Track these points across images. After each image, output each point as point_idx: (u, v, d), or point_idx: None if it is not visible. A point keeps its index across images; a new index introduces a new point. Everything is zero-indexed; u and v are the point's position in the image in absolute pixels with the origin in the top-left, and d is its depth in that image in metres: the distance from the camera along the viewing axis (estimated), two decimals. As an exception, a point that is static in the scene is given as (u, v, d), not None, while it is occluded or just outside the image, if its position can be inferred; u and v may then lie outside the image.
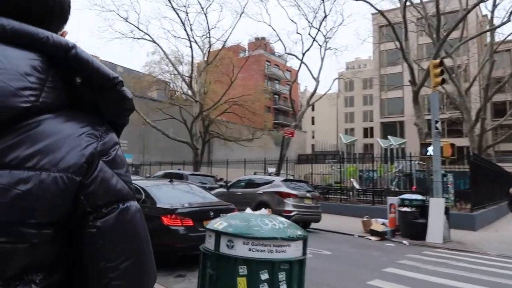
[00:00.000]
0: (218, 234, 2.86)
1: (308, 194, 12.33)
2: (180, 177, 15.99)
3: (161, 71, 28.63)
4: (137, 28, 26.15)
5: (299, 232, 2.99)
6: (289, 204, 11.62)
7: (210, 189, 15.37)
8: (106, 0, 70.12)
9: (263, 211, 3.18)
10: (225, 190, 14.07)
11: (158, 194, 7.30)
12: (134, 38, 26.09)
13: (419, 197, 12.03)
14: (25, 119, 0.59)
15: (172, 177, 15.69)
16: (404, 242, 10.73)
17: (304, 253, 3.02)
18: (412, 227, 11.09)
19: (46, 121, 0.62)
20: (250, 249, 2.76)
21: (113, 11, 35.28)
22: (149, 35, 26.47)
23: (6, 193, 0.55)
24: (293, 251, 2.89)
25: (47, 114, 0.62)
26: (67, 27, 0.80)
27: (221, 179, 24.38)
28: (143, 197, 7.22)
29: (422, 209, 11.25)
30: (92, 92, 0.69)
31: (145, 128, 29.11)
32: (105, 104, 0.71)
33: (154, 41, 26.60)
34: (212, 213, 7.03)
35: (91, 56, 0.68)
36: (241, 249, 2.77)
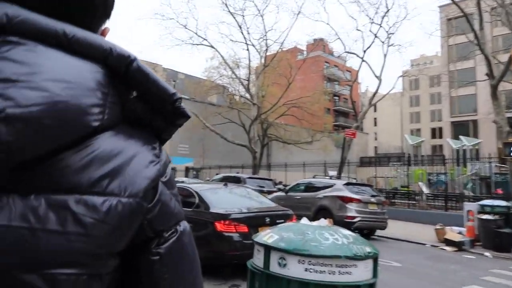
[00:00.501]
0: (268, 249, 2.38)
1: (372, 199, 11.45)
2: (237, 180, 15.80)
3: (219, 76, 28.89)
4: (196, 34, 26.65)
5: (368, 248, 2.41)
6: (352, 210, 10.84)
7: (268, 192, 15.03)
8: (166, 9, 73.09)
9: (323, 221, 2.64)
10: (283, 194, 13.60)
11: (212, 199, 7.00)
12: (193, 44, 26.56)
13: (502, 203, 10.62)
14: (90, 138, 0.56)
15: (229, 180, 15.62)
16: (486, 254, 9.48)
17: (375, 275, 2.43)
18: (496, 237, 9.78)
19: (109, 139, 0.58)
20: (306, 269, 2.24)
21: (173, 19, 36.32)
22: (207, 41, 26.82)
23: (77, 221, 0.52)
24: (360, 273, 2.32)
25: (109, 131, 0.59)
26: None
27: (280, 183, 23.97)
28: (197, 201, 6.96)
29: (507, 217, 9.91)
30: (146, 107, 0.65)
31: (204, 132, 29.57)
32: (159, 120, 0.67)
33: (212, 46, 26.91)
34: (268, 219, 6.59)
35: (150, 69, 0.64)
36: (295, 269, 2.26)
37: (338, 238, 2.35)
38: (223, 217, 6.27)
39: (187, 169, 34.41)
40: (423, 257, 9.01)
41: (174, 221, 0.64)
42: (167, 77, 48.27)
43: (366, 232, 11.65)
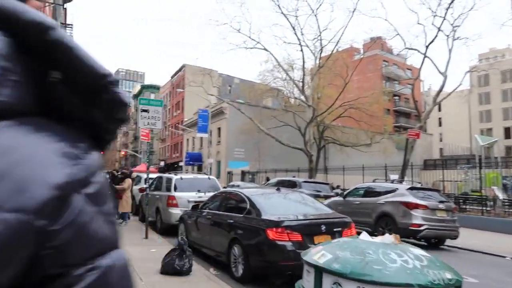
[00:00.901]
0: (320, 270, 1.96)
1: (441, 205, 10.45)
2: (293, 184, 15.36)
3: (273, 78, 28.63)
4: (249, 38, 26.66)
5: (448, 274, 1.90)
6: (418, 217, 9.96)
7: (325, 197, 14.43)
8: (220, 15, 74.49)
9: (388, 237, 2.16)
10: (341, 199, 12.94)
11: (264, 204, 6.66)
12: (247, 48, 26.58)
13: None
14: None
15: (284, 184, 15.24)
16: None
17: (458, 308, 1.92)
18: None
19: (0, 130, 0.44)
20: (368, 299, 1.79)
21: (226, 23, 36.78)
22: (260, 44, 26.73)
23: None
24: (439, 305, 1.82)
25: (5, 120, 0.45)
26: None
27: (337, 187, 23.11)
28: (248, 206, 6.66)
29: None
30: (74, 93, 0.52)
31: (260, 136, 29.44)
32: (91, 110, 0.53)
33: (265, 49, 26.77)
34: (324, 227, 6.12)
35: (77, 43, 0.51)
36: (354, 298, 1.83)
37: (408, 260, 1.87)
38: (276, 224, 5.90)
39: (243, 173, 34.50)
40: (504, 273, 7.95)
41: (95, 251, 0.46)
42: (223, 82, 49.05)
43: (434, 241, 10.68)
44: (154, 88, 78.45)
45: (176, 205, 10.64)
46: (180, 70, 59.41)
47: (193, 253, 6.97)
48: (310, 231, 6.01)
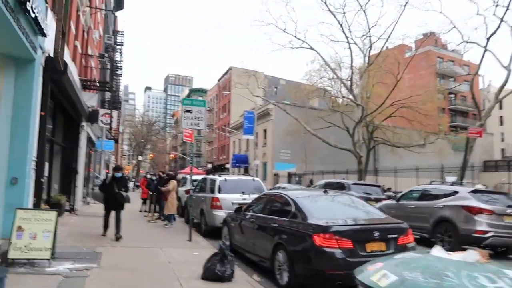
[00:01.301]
0: (381, 295, 1.51)
1: (509, 210, 9.40)
2: (341, 187, 14.69)
3: (319, 78, 27.87)
4: (295, 37, 26.17)
5: None
6: (483, 223, 9.01)
7: (376, 200, 13.64)
8: (265, 15, 74.03)
9: (471, 254, 1.66)
10: (394, 202, 12.11)
11: (311, 208, 6.20)
12: (293, 48, 26.08)
13: None
14: None
15: (332, 187, 14.62)
16: None
17: None
18: None
19: None
20: None
21: (272, 24, 36.43)
22: (306, 43, 26.12)
23: None
24: None
25: None
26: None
27: (388, 189, 21.96)
28: (293, 210, 6.23)
29: None
30: None
31: (306, 137, 28.79)
32: None
33: (312, 48, 26.12)
34: (377, 234, 5.55)
35: None
36: (429, 336, 1.37)
37: (505, 287, 1.38)
38: (323, 229, 5.42)
39: (290, 175, 33.96)
40: None
41: None
42: (268, 84, 48.79)
43: (501, 250, 9.64)
44: (202, 91, 79.95)
45: (220, 207, 10.42)
46: (226, 73, 60.04)
47: (236, 258, 6.67)
48: (361, 237, 5.48)
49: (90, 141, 19.41)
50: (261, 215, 7.21)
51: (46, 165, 11.31)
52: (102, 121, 23.87)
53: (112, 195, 8.30)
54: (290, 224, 6.03)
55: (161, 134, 71.79)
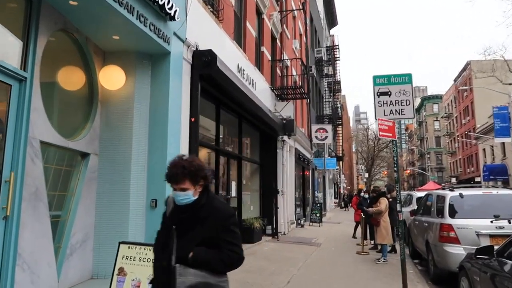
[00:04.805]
0: None
1: None
2: None
3: None
4: None
5: None
6: None
7: None
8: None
9: None
10: None
11: None
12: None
13: None
14: None
15: None
16: None
17: None
18: None
19: None
20: None
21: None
22: None
23: None
24: None
25: None
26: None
27: None
28: None
29: None
30: None
31: None
32: None
33: None
34: None
35: None
36: None
37: None
38: None
39: None
40: None
41: None
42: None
43: None
44: (436, 98, 70.76)
45: (454, 240, 6.47)
46: (464, 69, 50.57)
47: None
48: None
49: (301, 158, 18.04)
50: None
51: (233, 184, 10.07)
52: (316, 137, 22.52)
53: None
54: None
55: (391, 149, 66.69)
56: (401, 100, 6.59)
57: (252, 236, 10.05)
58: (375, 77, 6.75)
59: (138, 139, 5.76)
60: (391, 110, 6.57)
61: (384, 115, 6.56)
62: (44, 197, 4.44)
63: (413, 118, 6.80)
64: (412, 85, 6.62)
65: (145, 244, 4.32)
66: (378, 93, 6.65)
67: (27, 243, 4.14)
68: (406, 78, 6.64)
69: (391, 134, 6.48)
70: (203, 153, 8.77)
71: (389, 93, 6.63)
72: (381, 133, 6.39)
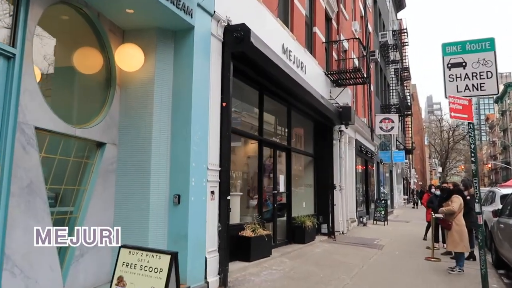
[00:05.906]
0: None
1: None
2: None
3: None
4: None
5: None
6: None
7: None
8: None
9: None
10: None
11: None
12: None
13: None
14: None
15: None
16: None
17: None
18: None
19: None
20: None
21: None
22: None
23: None
24: None
25: None
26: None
27: None
28: None
29: None
30: None
31: None
32: None
33: None
34: None
35: None
36: None
37: None
38: None
39: None
40: None
41: None
42: None
43: None
44: (522, 82, 63.51)
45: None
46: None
47: None
48: None
49: (363, 150, 16.58)
50: None
51: (281, 179, 9.17)
52: (381, 127, 20.78)
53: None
54: None
55: (468, 141, 60.89)
56: (480, 72, 5.23)
57: (303, 236, 9.08)
58: (444, 45, 5.44)
59: (159, 127, 5.09)
60: (466, 86, 5.24)
61: (458, 91, 5.25)
62: (42, 191, 3.90)
63: (497, 94, 5.38)
64: (495, 53, 5.22)
65: (147, 250, 3.60)
66: (449, 65, 5.35)
67: (18, 244, 3.62)
68: (487, 44, 5.25)
69: (467, 116, 5.14)
70: (240, 143, 7.97)
71: (464, 64, 5.30)
72: (453, 113, 5.09)
